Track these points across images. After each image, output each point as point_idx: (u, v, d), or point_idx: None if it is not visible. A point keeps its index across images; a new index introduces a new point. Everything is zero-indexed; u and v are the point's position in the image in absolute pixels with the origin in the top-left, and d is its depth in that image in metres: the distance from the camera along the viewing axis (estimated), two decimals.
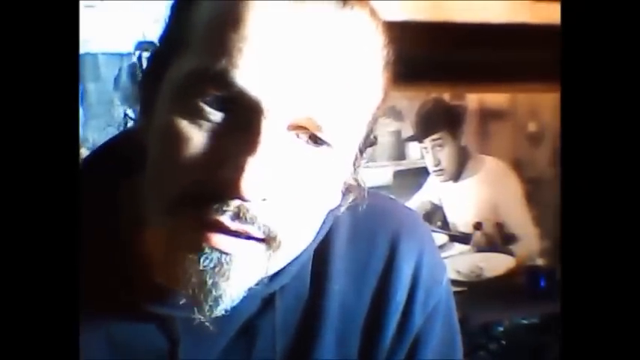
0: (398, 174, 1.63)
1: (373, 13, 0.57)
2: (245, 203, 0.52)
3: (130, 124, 0.64)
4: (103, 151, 0.66)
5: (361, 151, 0.62)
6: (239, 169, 0.51)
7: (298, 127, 0.54)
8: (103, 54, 1.31)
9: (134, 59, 0.62)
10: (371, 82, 0.58)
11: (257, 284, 0.59)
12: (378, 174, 1.61)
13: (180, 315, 0.59)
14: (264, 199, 0.53)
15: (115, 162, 0.63)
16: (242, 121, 0.52)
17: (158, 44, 0.60)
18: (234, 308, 0.59)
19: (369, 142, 0.62)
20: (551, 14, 1.53)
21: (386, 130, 1.62)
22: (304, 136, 0.54)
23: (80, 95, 1.33)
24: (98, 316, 0.60)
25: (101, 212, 0.60)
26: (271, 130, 0.52)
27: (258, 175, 0.51)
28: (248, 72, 0.52)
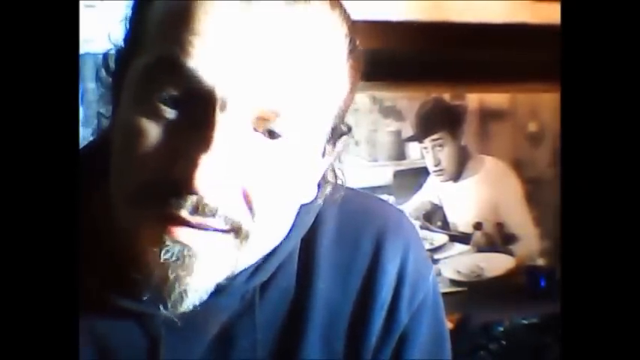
0: (398, 174, 1.63)
1: (334, 4, 0.57)
2: (203, 198, 0.53)
3: (104, 122, 0.64)
4: (84, 152, 0.66)
5: (333, 144, 0.62)
6: (193, 165, 0.51)
7: (256, 120, 0.54)
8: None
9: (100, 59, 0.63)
10: (333, 72, 0.58)
11: (232, 280, 0.59)
12: (378, 174, 1.60)
13: (153, 312, 0.59)
14: (221, 194, 0.53)
15: (94, 162, 0.63)
16: (197, 117, 0.53)
17: (122, 43, 0.60)
18: (215, 305, 0.59)
19: (340, 132, 0.62)
20: (551, 14, 1.53)
21: (386, 130, 1.62)
22: (263, 129, 0.54)
23: (80, 95, 1.33)
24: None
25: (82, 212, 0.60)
26: (227, 124, 0.52)
27: (212, 171, 0.51)
28: (201, 66, 0.52)
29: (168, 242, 0.54)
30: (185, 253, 0.54)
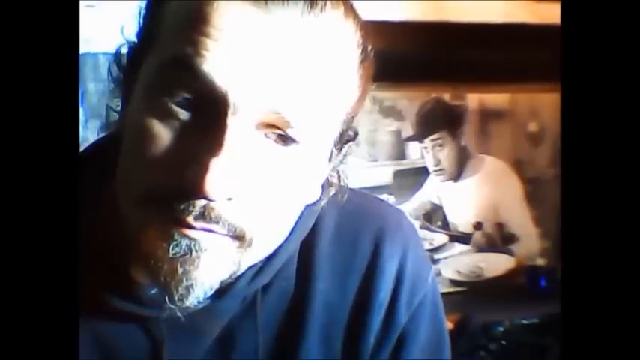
0: (398, 174, 1.63)
1: (348, 12, 0.57)
2: (210, 203, 0.53)
3: (112, 116, 0.64)
4: (90, 152, 0.66)
5: (339, 148, 0.62)
6: (204, 169, 0.51)
7: (266, 126, 0.54)
8: (103, 54, 1.31)
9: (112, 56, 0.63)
10: (344, 79, 0.58)
11: (234, 282, 0.59)
12: (378, 174, 1.60)
13: (155, 315, 0.59)
14: (229, 199, 0.53)
15: (101, 162, 0.63)
16: (209, 120, 0.52)
17: (135, 42, 0.60)
18: (217, 308, 0.59)
19: (347, 138, 0.62)
20: (551, 14, 1.53)
21: (386, 130, 1.62)
22: (272, 135, 0.54)
23: (80, 95, 1.33)
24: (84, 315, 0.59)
25: (85, 212, 0.60)
26: (238, 128, 0.52)
27: (223, 175, 0.51)
28: (214, 68, 0.52)
29: (176, 237, 0.54)
30: (193, 247, 0.54)
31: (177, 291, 0.55)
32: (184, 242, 0.54)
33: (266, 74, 0.52)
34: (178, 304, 0.56)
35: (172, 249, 0.54)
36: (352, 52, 0.58)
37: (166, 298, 0.56)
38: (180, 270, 0.54)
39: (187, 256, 0.54)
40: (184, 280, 0.55)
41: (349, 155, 0.64)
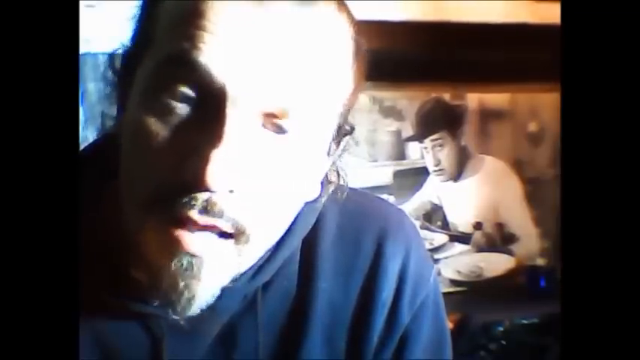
0: (398, 174, 1.63)
1: (341, 8, 0.58)
2: (213, 197, 0.53)
3: (108, 122, 0.64)
4: (88, 152, 0.66)
5: (337, 142, 0.62)
6: (205, 161, 0.51)
7: (265, 116, 0.54)
8: (103, 54, 1.31)
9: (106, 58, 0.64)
10: (338, 71, 0.58)
11: (235, 281, 0.59)
12: (378, 174, 1.60)
13: (158, 313, 0.60)
14: (231, 191, 0.53)
15: (100, 162, 0.63)
16: (208, 113, 0.53)
17: (130, 43, 0.60)
18: (217, 306, 0.60)
19: (344, 132, 0.63)
20: (551, 14, 1.53)
21: (386, 130, 1.62)
22: (271, 127, 0.55)
23: (80, 95, 1.33)
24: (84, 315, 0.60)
25: (84, 212, 0.60)
26: (237, 119, 0.53)
27: (224, 166, 0.52)
28: (212, 62, 0.52)
29: (178, 252, 0.54)
30: (194, 262, 0.54)
31: (179, 303, 0.56)
32: (186, 258, 0.54)
33: (263, 65, 0.53)
34: (180, 314, 0.57)
35: (175, 264, 0.54)
36: (345, 44, 0.58)
37: (168, 310, 0.56)
38: (181, 284, 0.55)
39: (188, 271, 0.54)
40: (186, 292, 0.55)
41: (347, 151, 0.65)
